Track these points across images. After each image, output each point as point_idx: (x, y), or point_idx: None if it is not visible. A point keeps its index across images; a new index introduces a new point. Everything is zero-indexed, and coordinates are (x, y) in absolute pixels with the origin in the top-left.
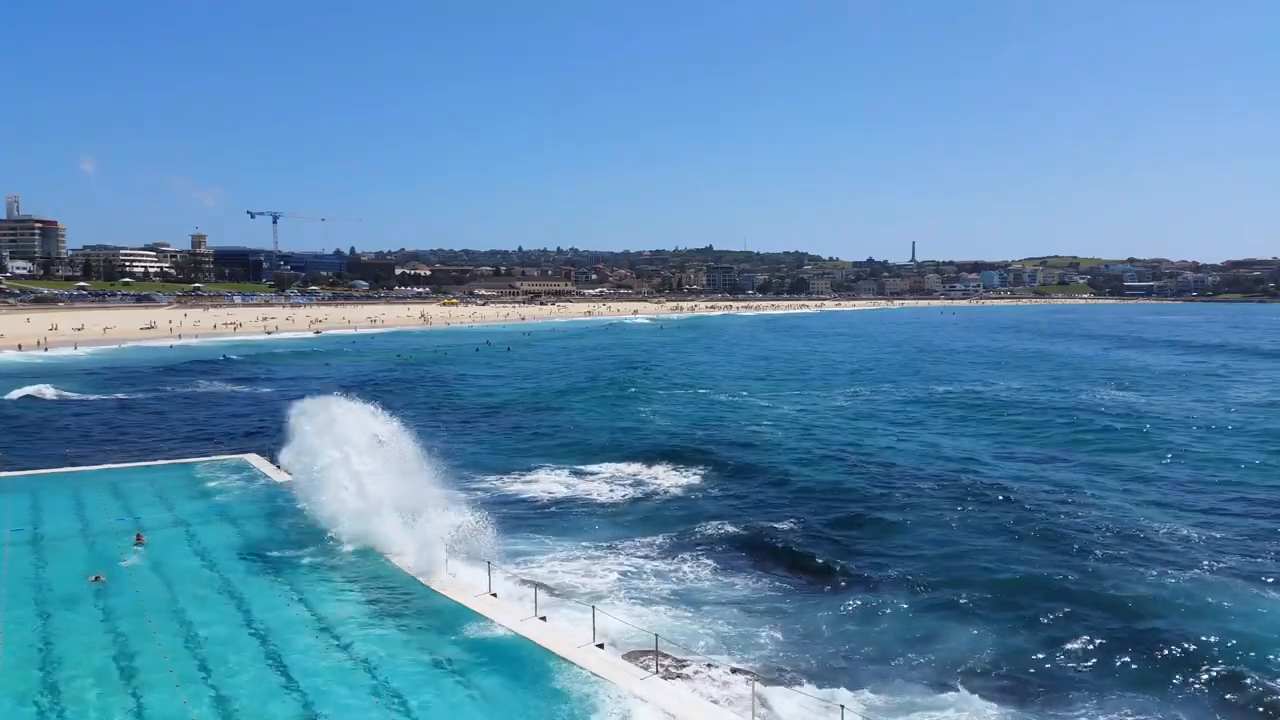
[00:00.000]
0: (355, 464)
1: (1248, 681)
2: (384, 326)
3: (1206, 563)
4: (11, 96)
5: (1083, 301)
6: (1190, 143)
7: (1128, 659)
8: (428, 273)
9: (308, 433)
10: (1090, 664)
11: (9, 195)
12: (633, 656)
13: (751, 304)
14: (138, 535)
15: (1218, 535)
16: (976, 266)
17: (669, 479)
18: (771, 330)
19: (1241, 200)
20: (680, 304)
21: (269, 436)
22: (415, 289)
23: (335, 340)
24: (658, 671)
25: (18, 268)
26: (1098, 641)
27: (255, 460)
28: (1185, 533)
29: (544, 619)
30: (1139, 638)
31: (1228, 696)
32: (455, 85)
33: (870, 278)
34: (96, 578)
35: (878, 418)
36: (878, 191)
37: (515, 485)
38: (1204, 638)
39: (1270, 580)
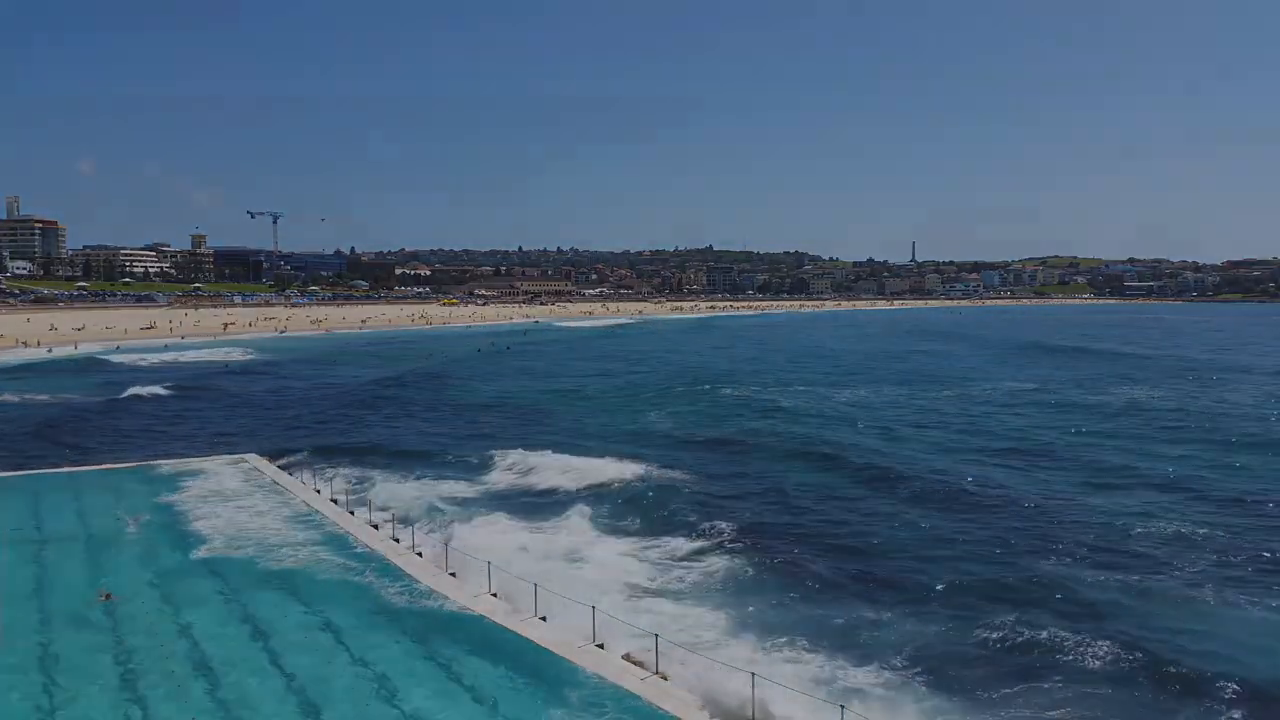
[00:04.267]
0: None
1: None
2: (386, 326)
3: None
4: (12, 96)
5: (1082, 302)
6: (1190, 143)
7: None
8: (428, 273)
9: None
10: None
11: (9, 195)
12: (633, 656)
13: (751, 304)
14: (130, 519)
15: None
16: (976, 266)
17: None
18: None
19: (1241, 200)
20: (680, 304)
21: (271, 436)
22: (415, 289)
23: (342, 338)
24: (658, 671)
25: (18, 268)
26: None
27: (255, 459)
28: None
29: (544, 618)
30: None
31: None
32: (455, 84)
33: (870, 278)
34: (106, 595)
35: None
36: (878, 191)
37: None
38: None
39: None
